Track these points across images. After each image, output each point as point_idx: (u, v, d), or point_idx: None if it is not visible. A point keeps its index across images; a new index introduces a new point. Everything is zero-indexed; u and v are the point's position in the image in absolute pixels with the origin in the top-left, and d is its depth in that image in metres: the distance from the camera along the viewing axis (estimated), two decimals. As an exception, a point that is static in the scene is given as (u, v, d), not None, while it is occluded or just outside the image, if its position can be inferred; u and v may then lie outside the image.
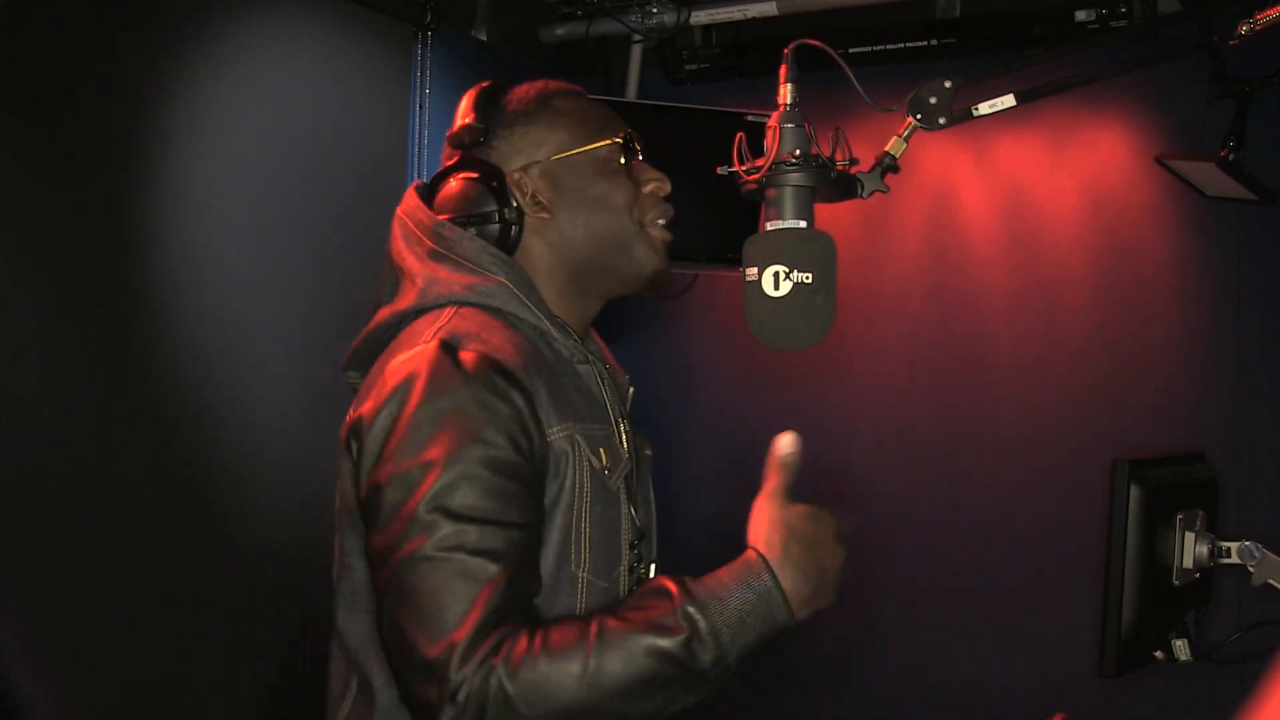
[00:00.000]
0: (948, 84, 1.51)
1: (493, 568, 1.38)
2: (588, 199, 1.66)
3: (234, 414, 2.88)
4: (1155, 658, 1.93)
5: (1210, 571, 1.97)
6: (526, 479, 1.45)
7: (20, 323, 2.39)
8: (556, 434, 1.51)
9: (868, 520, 4.06)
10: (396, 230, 1.70)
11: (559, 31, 4.11)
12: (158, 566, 2.66)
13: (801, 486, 4.13)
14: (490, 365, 1.46)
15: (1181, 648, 1.94)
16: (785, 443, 1.53)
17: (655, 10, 3.88)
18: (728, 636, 1.38)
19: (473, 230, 1.62)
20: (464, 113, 1.73)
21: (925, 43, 3.71)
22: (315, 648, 3.07)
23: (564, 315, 1.67)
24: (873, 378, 4.06)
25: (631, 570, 1.64)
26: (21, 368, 2.39)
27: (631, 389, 1.79)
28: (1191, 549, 1.92)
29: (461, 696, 1.32)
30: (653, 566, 1.76)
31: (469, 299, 1.57)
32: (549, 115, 1.70)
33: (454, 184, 1.66)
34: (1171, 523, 1.91)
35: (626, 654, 1.36)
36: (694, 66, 4.11)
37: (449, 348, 1.47)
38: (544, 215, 1.66)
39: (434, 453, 1.40)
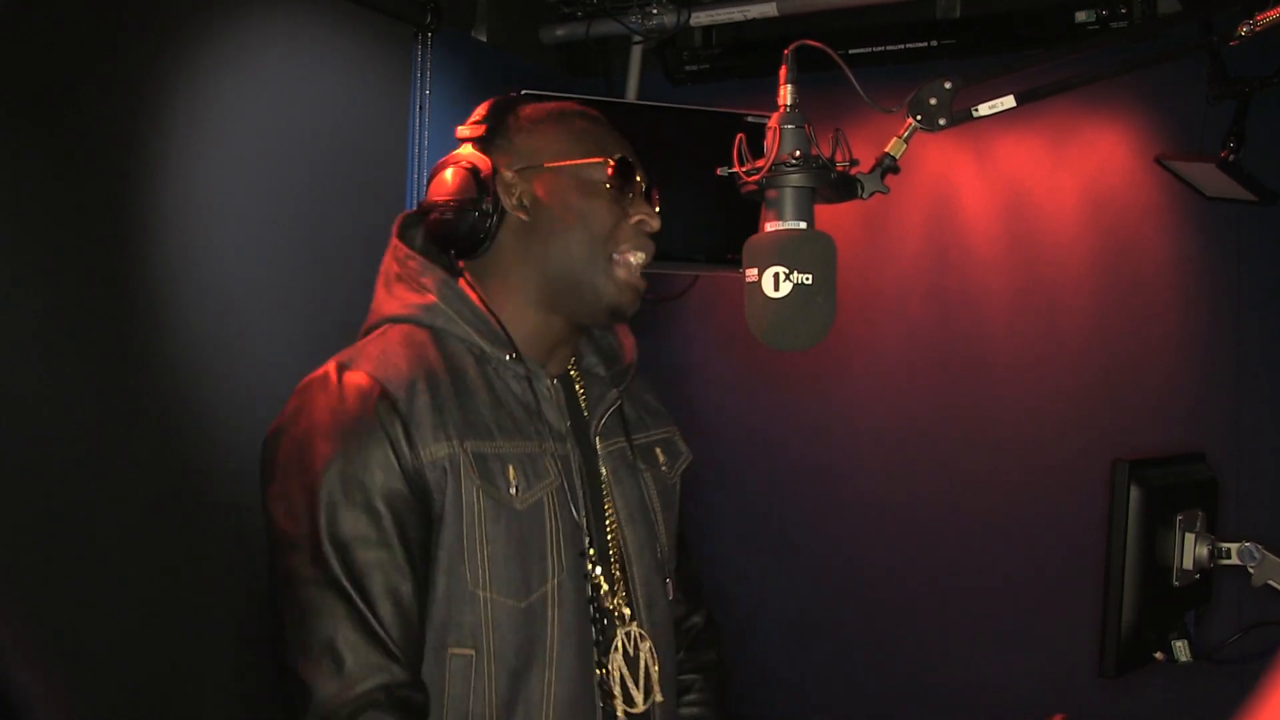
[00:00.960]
0: (947, 85, 1.50)
1: (355, 592, 1.46)
2: (568, 213, 1.67)
3: (233, 414, 2.87)
4: (1155, 658, 1.93)
5: (1210, 572, 1.97)
6: (396, 500, 1.51)
7: (20, 323, 2.39)
8: (436, 454, 1.53)
9: (867, 521, 4.07)
10: (379, 273, 1.76)
11: (559, 32, 4.11)
12: (157, 566, 2.66)
13: (801, 486, 4.16)
14: (370, 385, 1.53)
15: (1181, 648, 1.94)
16: None
17: (655, 11, 3.88)
18: None
19: (450, 214, 1.66)
20: (476, 113, 1.77)
21: (925, 43, 3.71)
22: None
23: (523, 327, 1.67)
24: (873, 378, 4.06)
25: (581, 591, 1.62)
26: (21, 368, 2.39)
27: (617, 403, 1.76)
28: (1191, 549, 1.92)
29: None
30: (668, 583, 1.76)
31: (401, 315, 1.65)
32: (553, 126, 1.72)
33: (445, 171, 1.70)
34: (1171, 523, 1.91)
35: None
36: (694, 67, 4.12)
37: (338, 371, 1.57)
38: (523, 217, 1.67)
39: (308, 474, 1.50)
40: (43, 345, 2.44)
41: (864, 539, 4.04)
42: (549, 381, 1.68)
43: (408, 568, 1.50)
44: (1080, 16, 3.45)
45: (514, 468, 1.58)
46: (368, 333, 1.68)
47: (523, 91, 3.27)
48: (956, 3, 3.73)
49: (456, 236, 1.67)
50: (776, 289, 1.39)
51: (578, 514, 1.64)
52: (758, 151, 1.45)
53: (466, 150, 1.72)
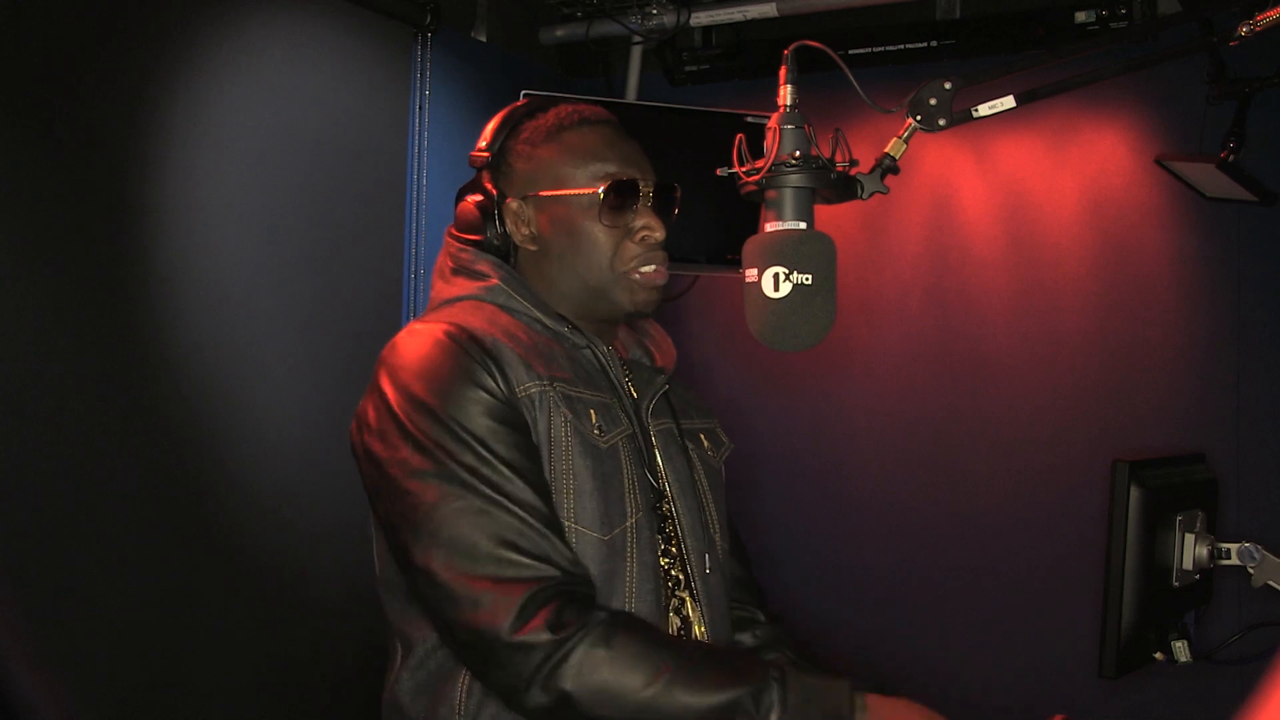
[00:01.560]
0: (947, 85, 1.51)
1: (516, 509, 1.49)
2: (572, 240, 1.70)
3: (234, 413, 2.88)
4: (1155, 658, 1.93)
5: (1210, 572, 1.97)
6: (512, 422, 1.55)
7: (20, 323, 2.39)
8: (527, 389, 1.58)
9: (867, 520, 4.07)
10: (435, 269, 1.82)
11: (559, 33, 4.11)
12: (158, 566, 2.66)
13: (800, 486, 4.14)
14: (458, 330, 1.58)
15: (1181, 649, 1.93)
16: None
17: (655, 11, 3.88)
18: (792, 706, 1.47)
19: (467, 253, 1.74)
20: (484, 134, 1.79)
21: (925, 44, 3.71)
22: (315, 647, 3.08)
23: (570, 317, 1.73)
24: (873, 378, 4.06)
25: (656, 530, 1.67)
26: (21, 368, 2.39)
27: (665, 388, 1.81)
28: (1191, 550, 1.92)
29: (548, 634, 1.43)
30: (720, 558, 1.79)
31: (462, 295, 1.71)
32: (553, 149, 1.73)
33: (462, 205, 1.76)
34: (1171, 523, 1.91)
35: (707, 679, 1.46)
36: (694, 68, 4.11)
37: (420, 328, 1.62)
38: (532, 248, 1.73)
39: (422, 419, 1.53)
40: (43, 345, 2.44)
41: (863, 539, 4.04)
42: (607, 348, 1.73)
43: (535, 466, 1.55)
44: (1080, 17, 3.46)
45: (595, 411, 1.64)
46: (427, 312, 1.73)
47: (523, 92, 3.29)
48: (956, 3, 3.73)
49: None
50: (776, 289, 1.39)
51: (648, 461, 1.70)
52: (757, 152, 1.45)
53: (478, 180, 1.77)
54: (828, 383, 4.08)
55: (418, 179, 3.47)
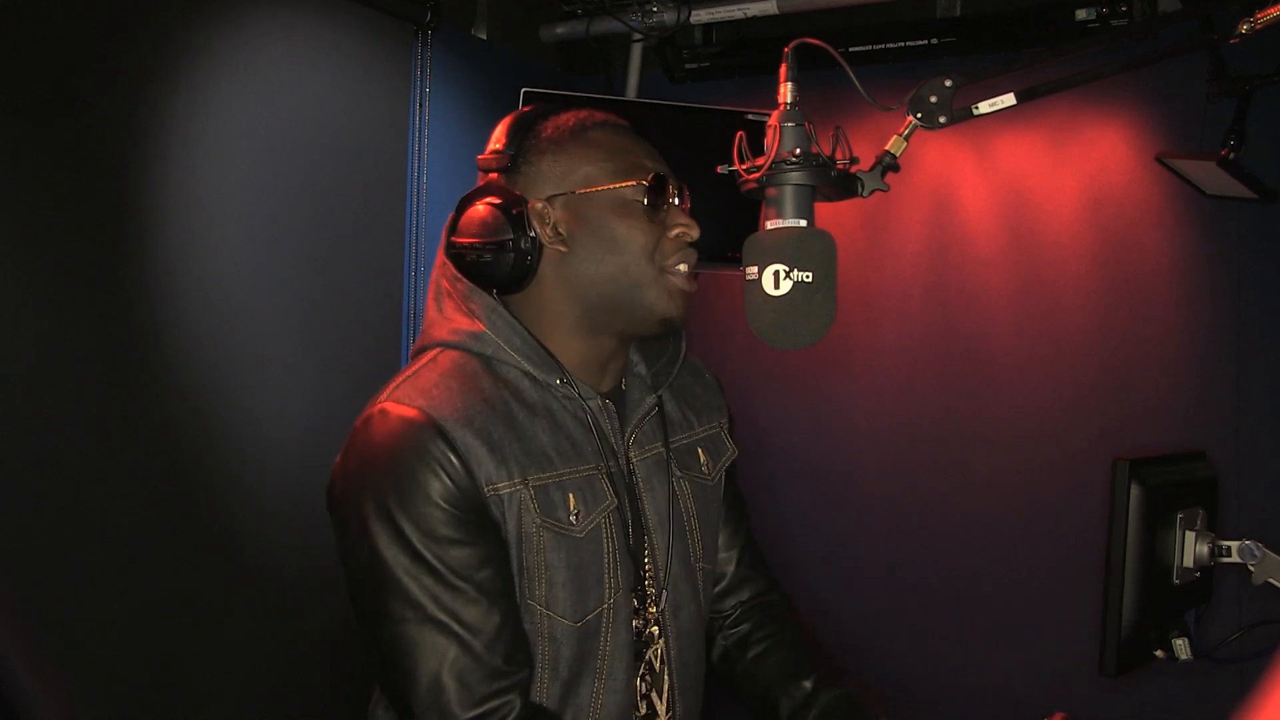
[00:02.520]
0: (948, 83, 1.50)
1: (455, 627, 1.48)
2: (606, 237, 1.63)
3: (234, 413, 2.88)
4: (1155, 656, 1.93)
5: (1210, 570, 1.97)
6: (475, 521, 1.52)
7: (20, 323, 2.39)
8: (496, 488, 1.53)
9: (867, 519, 4.07)
10: (430, 282, 1.74)
11: (559, 30, 4.11)
12: (158, 566, 2.66)
13: (801, 484, 4.15)
14: (426, 424, 1.52)
15: (1182, 646, 1.93)
16: None
17: (655, 9, 3.88)
18: None
19: (488, 255, 1.63)
20: (496, 137, 1.70)
21: (925, 41, 3.71)
22: (314, 648, 3.07)
23: (573, 352, 1.66)
24: (873, 376, 4.06)
25: (640, 601, 1.66)
26: (21, 368, 2.38)
27: (654, 410, 1.75)
28: (1192, 547, 1.92)
29: None
30: (700, 590, 1.77)
31: (451, 343, 1.63)
32: (580, 146, 1.66)
33: (477, 209, 1.65)
34: (1172, 521, 1.91)
35: None
36: (694, 65, 4.11)
37: (391, 407, 1.55)
38: (561, 249, 1.64)
39: (379, 520, 1.50)
40: (43, 345, 2.44)
41: (864, 537, 4.04)
42: (600, 401, 1.67)
43: (501, 583, 1.53)
44: (1081, 14, 3.46)
45: (574, 495, 1.59)
46: (420, 352, 1.66)
47: (524, 90, 3.29)
48: (957, 1, 3.72)
49: (498, 277, 1.64)
50: (777, 287, 1.39)
51: (632, 534, 1.66)
52: (758, 149, 1.45)
53: (491, 181, 1.68)
54: (828, 381, 4.08)
55: (418, 177, 3.47)
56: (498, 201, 1.63)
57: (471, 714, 1.47)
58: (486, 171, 1.69)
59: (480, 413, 1.55)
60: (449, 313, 1.65)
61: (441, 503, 1.49)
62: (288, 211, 3.04)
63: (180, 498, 2.74)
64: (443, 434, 1.50)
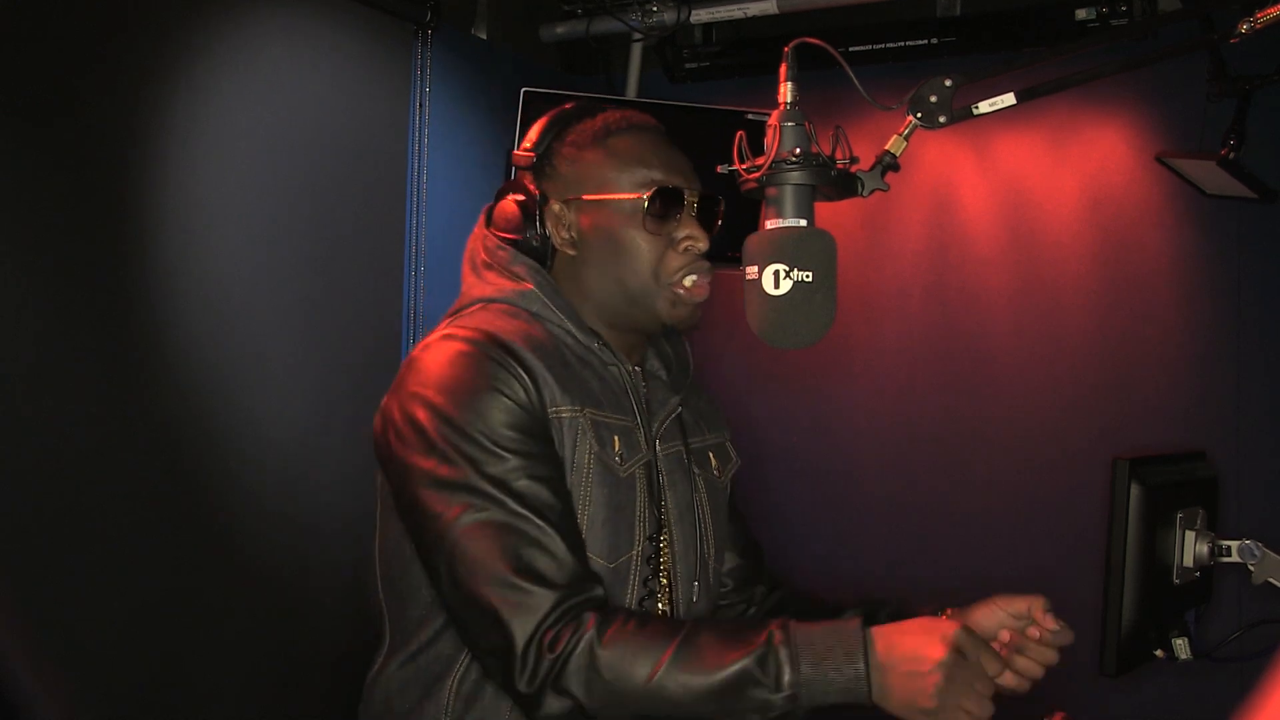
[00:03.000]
0: (948, 82, 1.50)
1: (539, 522, 1.49)
2: (614, 246, 1.68)
3: (234, 412, 2.88)
4: (1155, 656, 1.93)
5: (1210, 570, 1.97)
6: (536, 434, 1.55)
7: (20, 323, 2.39)
8: (559, 410, 1.58)
9: (867, 518, 4.07)
10: (465, 255, 1.78)
11: (559, 30, 4.11)
12: (158, 566, 2.66)
13: (801, 483, 4.13)
14: (492, 341, 1.57)
15: (1181, 646, 1.93)
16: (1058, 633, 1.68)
17: (655, 8, 3.88)
18: (805, 684, 1.43)
19: (504, 250, 1.71)
20: (530, 135, 1.77)
21: (925, 41, 3.71)
22: (314, 648, 3.08)
23: (599, 330, 1.72)
24: (873, 376, 4.06)
25: (649, 562, 1.67)
26: (21, 368, 2.38)
27: (678, 410, 1.80)
28: (1192, 547, 1.92)
29: (551, 646, 1.44)
30: (695, 586, 1.76)
31: (496, 298, 1.68)
32: (599, 153, 1.71)
33: (503, 204, 1.74)
34: (1172, 521, 1.91)
35: (710, 657, 1.44)
36: (694, 65, 4.11)
37: (455, 334, 1.59)
38: (571, 251, 1.71)
39: (451, 430, 1.52)
40: (43, 345, 2.44)
41: (864, 536, 4.04)
42: (632, 368, 1.73)
43: (565, 491, 1.56)
44: (1081, 14, 3.45)
45: (619, 438, 1.65)
46: (458, 312, 1.70)
47: (523, 90, 3.29)
48: (957, 1, 3.72)
49: None
50: (777, 286, 1.39)
51: (658, 490, 1.70)
52: (758, 149, 1.45)
53: (520, 178, 1.75)
54: (828, 380, 4.08)
55: (418, 176, 3.47)
56: (520, 199, 1.71)
57: (563, 591, 1.48)
58: (518, 169, 1.76)
59: (540, 344, 1.61)
60: (490, 278, 1.71)
61: (511, 405, 1.53)
62: (288, 211, 3.04)
63: (180, 498, 2.74)
64: (510, 351, 1.57)
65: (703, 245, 1.70)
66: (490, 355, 1.55)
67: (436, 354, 1.59)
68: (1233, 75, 2.98)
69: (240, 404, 2.89)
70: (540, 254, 1.71)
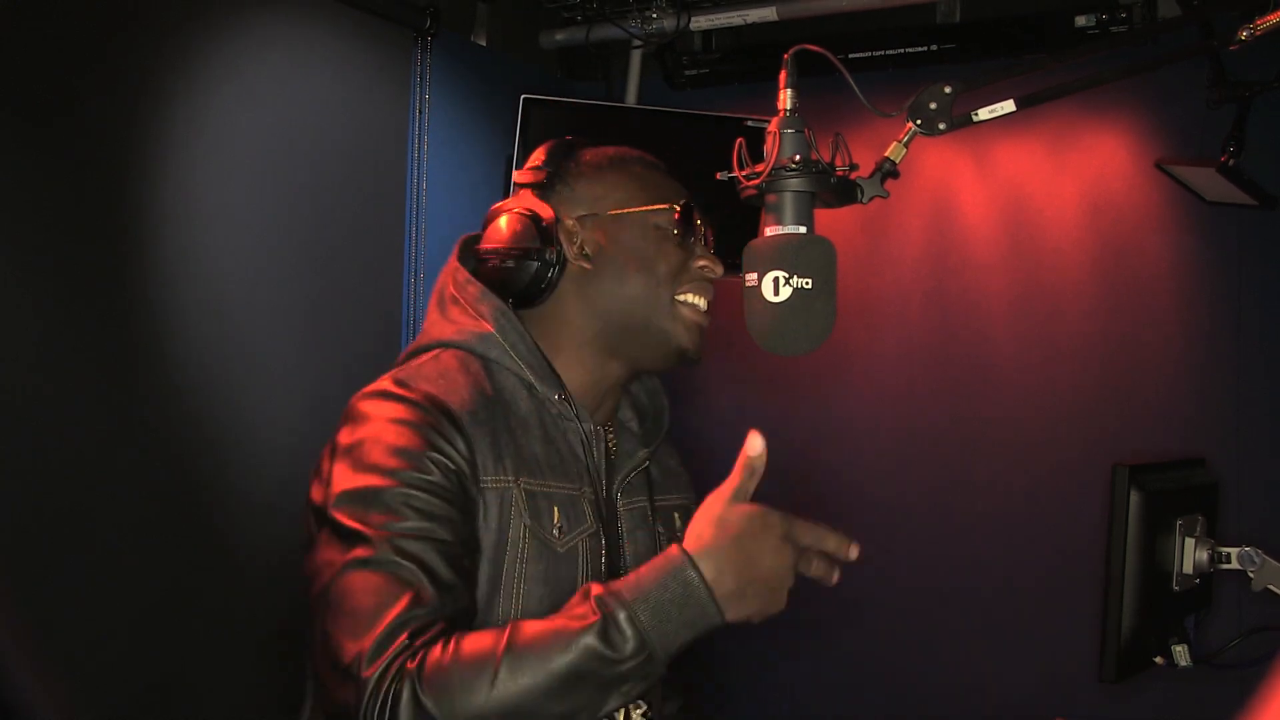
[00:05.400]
0: (947, 89, 1.51)
1: (418, 576, 1.40)
2: (633, 259, 1.67)
3: (234, 414, 2.88)
4: (1155, 662, 1.93)
5: (1210, 576, 1.97)
6: (454, 504, 1.48)
7: (20, 323, 2.39)
8: (490, 483, 1.53)
9: (867, 525, 4.06)
10: (434, 288, 1.74)
11: (559, 37, 4.11)
12: (158, 567, 2.66)
13: (800, 490, 4.14)
14: (431, 402, 1.52)
15: (1181, 652, 1.93)
16: (754, 445, 1.45)
17: (655, 15, 3.88)
18: (647, 625, 1.33)
19: (511, 262, 1.65)
20: (535, 157, 1.74)
21: (925, 48, 3.71)
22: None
23: (578, 374, 1.68)
24: (873, 383, 4.06)
25: None
26: (21, 368, 2.39)
27: (645, 464, 1.75)
28: (1191, 554, 1.92)
29: (372, 698, 1.32)
30: None
31: (454, 341, 1.64)
32: (616, 173, 1.71)
33: (507, 217, 1.68)
34: (1171, 528, 1.91)
35: (543, 650, 1.33)
36: (694, 71, 4.11)
37: (398, 384, 1.55)
38: (586, 266, 1.67)
39: (365, 474, 1.47)
40: (43, 345, 2.44)
41: (864, 543, 4.01)
42: (593, 428, 1.68)
43: (459, 560, 1.47)
44: (1080, 21, 3.46)
45: (559, 509, 1.59)
46: (417, 352, 1.66)
47: (523, 96, 3.29)
48: (956, 7, 3.72)
49: (517, 286, 1.66)
50: (776, 293, 1.39)
51: (603, 562, 1.64)
52: (757, 156, 1.45)
53: (526, 196, 1.70)
54: (827, 387, 4.08)
55: (417, 183, 3.47)
56: (530, 212, 1.67)
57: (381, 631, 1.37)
58: (523, 187, 1.72)
59: (483, 407, 1.56)
60: (454, 316, 1.66)
61: (440, 473, 1.47)
62: (288, 216, 3.04)
63: (180, 498, 2.74)
64: (450, 416, 1.52)
65: (718, 271, 1.70)
66: (431, 418, 1.50)
67: (366, 405, 1.54)
68: (1232, 82, 2.98)
69: (240, 407, 2.89)
70: (541, 273, 1.65)
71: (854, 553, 1.50)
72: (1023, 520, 3.78)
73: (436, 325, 1.67)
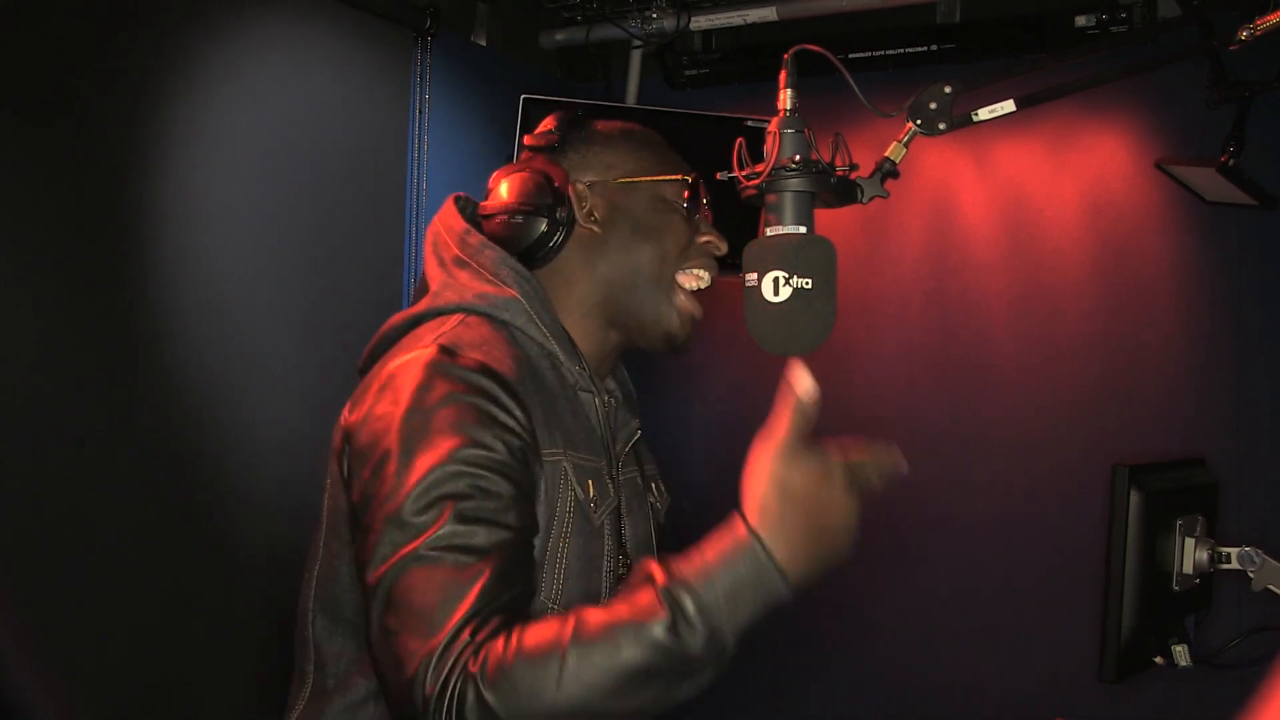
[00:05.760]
0: (948, 89, 1.50)
1: (483, 568, 1.33)
2: (640, 227, 1.66)
3: (234, 414, 2.88)
4: (1155, 662, 1.93)
5: (1210, 576, 1.97)
6: (520, 483, 1.42)
7: (20, 323, 2.39)
8: (547, 455, 1.49)
9: (866, 524, 4.06)
10: (428, 239, 1.68)
11: (559, 37, 4.11)
12: (157, 567, 2.66)
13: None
14: (488, 373, 1.45)
15: (1181, 652, 1.93)
16: (804, 384, 1.39)
17: (655, 15, 3.88)
18: (719, 616, 1.26)
19: (519, 219, 1.62)
20: (545, 123, 1.73)
21: (925, 48, 3.71)
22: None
23: (584, 343, 1.66)
24: (873, 383, 4.06)
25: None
26: (21, 368, 2.39)
27: (638, 434, 1.74)
28: (1191, 554, 1.92)
29: (439, 701, 1.26)
30: None
31: (478, 307, 1.57)
32: (628, 142, 1.71)
33: (518, 176, 1.65)
34: (1171, 528, 1.91)
35: (609, 647, 1.26)
36: (694, 71, 4.11)
37: (447, 352, 1.46)
38: (594, 229, 1.66)
39: (427, 455, 1.38)
40: (43, 345, 2.44)
41: (863, 542, 4.02)
42: (605, 398, 1.67)
43: (522, 549, 1.41)
44: (1080, 21, 3.46)
45: (593, 482, 1.57)
46: (428, 315, 1.58)
47: (523, 96, 3.29)
48: (956, 7, 3.72)
49: (523, 244, 1.63)
50: (776, 294, 1.39)
51: (624, 537, 1.64)
52: (757, 156, 1.45)
53: (537, 159, 1.69)
54: (827, 387, 4.04)
55: (417, 183, 3.47)
56: (543, 172, 1.65)
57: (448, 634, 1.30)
58: (534, 151, 1.70)
59: (529, 376, 1.52)
60: (463, 278, 1.60)
61: (505, 447, 1.41)
62: (288, 216, 3.04)
63: (180, 498, 2.74)
64: (507, 386, 1.45)
65: (722, 248, 1.70)
66: (492, 388, 1.43)
67: (417, 375, 1.44)
68: (1232, 82, 2.98)
69: (240, 407, 2.89)
70: (550, 233, 1.62)
71: (905, 465, 1.47)
72: (1023, 520, 3.78)
73: (449, 288, 1.60)
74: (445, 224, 1.67)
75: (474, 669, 1.26)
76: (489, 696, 1.25)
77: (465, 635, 1.29)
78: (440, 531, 1.34)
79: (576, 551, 1.53)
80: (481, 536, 1.35)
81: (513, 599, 1.36)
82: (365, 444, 1.45)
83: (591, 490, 1.56)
